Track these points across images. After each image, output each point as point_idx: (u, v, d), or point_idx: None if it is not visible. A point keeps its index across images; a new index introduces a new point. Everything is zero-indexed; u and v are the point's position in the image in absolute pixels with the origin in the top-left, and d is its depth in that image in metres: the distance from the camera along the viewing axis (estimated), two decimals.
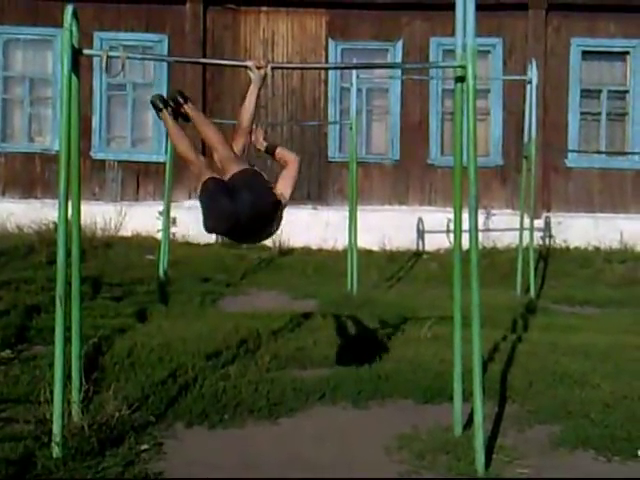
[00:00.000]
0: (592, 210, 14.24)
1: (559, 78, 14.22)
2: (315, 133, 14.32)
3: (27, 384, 5.36)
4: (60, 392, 4.27)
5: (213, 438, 4.73)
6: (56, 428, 4.23)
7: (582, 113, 14.40)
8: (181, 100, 4.92)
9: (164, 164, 11.25)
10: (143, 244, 12.69)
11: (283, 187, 4.85)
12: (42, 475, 3.99)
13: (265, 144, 5.20)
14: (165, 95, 5.06)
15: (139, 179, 14.35)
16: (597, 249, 13.42)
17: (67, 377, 4.47)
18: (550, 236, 13.90)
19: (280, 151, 5.18)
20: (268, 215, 4.66)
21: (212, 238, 13.46)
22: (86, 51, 4.64)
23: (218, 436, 4.77)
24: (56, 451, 4.18)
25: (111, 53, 4.60)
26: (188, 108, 4.92)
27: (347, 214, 10.03)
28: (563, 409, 5.18)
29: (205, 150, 5.17)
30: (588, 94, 14.46)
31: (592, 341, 7.12)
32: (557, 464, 4.42)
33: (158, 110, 4.96)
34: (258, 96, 4.93)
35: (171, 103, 4.94)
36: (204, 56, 13.80)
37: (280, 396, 5.37)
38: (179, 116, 5.01)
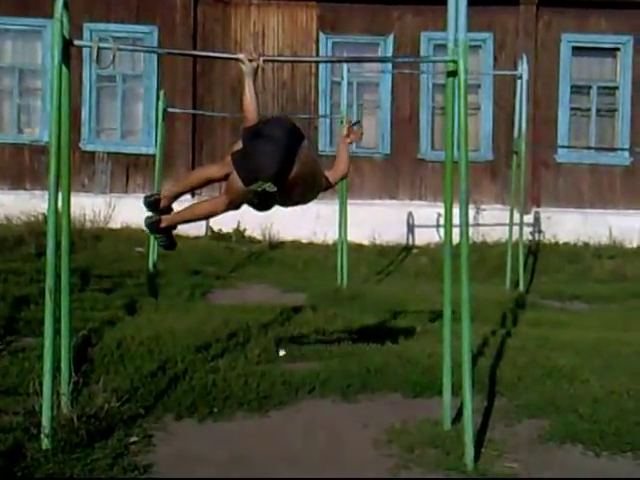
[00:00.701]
0: (581, 206, 14.29)
1: (549, 73, 14.26)
2: (305, 127, 14.28)
3: (16, 376, 5.34)
4: (49, 384, 4.26)
5: (202, 431, 4.73)
6: (45, 420, 4.21)
7: (572, 109, 14.46)
8: (156, 212, 5.05)
9: (154, 156, 11.24)
10: (132, 236, 12.64)
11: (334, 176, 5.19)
12: (31, 467, 3.98)
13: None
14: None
15: (128, 171, 14.32)
16: (586, 245, 13.48)
17: (56, 369, 4.45)
18: (539, 231, 13.96)
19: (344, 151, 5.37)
20: (295, 132, 4.77)
21: (202, 231, 13.44)
22: (77, 42, 4.62)
23: (207, 429, 4.76)
24: (45, 443, 4.17)
25: (102, 44, 4.58)
26: (169, 214, 5.08)
27: (337, 208, 10.03)
28: (552, 404, 5.19)
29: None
30: (578, 90, 14.51)
31: (581, 336, 7.14)
32: (546, 458, 4.43)
33: (159, 224, 5.09)
34: (255, 89, 4.92)
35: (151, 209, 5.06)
36: (194, 49, 13.77)
37: (269, 389, 5.37)
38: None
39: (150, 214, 5.15)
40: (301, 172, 4.65)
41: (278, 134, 4.66)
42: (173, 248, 5.27)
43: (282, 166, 4.58)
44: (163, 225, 5.09)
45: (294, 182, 4.64)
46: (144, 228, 5.23)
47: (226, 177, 4.84)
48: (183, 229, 13.79)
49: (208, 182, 5.05)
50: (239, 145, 4.75)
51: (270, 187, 4.54)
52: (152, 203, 5.13)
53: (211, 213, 5.05)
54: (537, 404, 5.21)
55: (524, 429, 4.85)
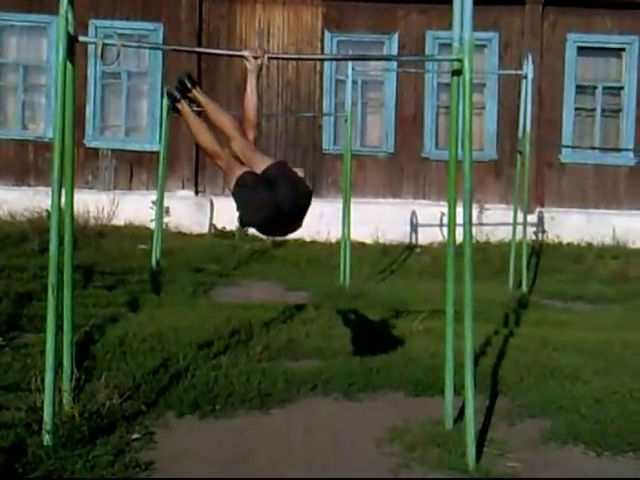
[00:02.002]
0: (585, 206, 14.28)
1: (554, 73, 14.24)
2: (310, 125, 14.31)
3: (18, 372, 5.34)
4: (51, 380, 4.26)
5: (204, 428, 4.73)
6: (47, 416, 4.22)
7: (577, 109, 14.44)
8: (189, 84, 4.82)
9: (158, 153, 11.24)
10: (136, 233, 12.66)
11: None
12: (32, 463, 3.98)
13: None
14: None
15: (132, 168, 14.33)
16: (590, 245, 13.45)
17: (58, 365, 4.46)
18: (543, 231, 13.94)
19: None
20: (305, 206, 4.65)
21: (205, 228, 13.47)
22: (82, 38, 4.62)
23: (209, 426, 4.76)
24: (47, 439, 4.17)
25: (107, 41, 4.58)
26: (197, 93, 4.82)
27: (341, 206, 10.02)
28: (554, 404, 5.19)
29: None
30: (583, 90, 14.49)
31: (584, 337, 7.14)
32: (547, 458, 4.43)
33: (175, 101, 4.84)
34: (257, 86, 4.91)
35: (179, 88, 4.84)
36: (199, 46, 13.78)
37: (272, 387, 5.37)
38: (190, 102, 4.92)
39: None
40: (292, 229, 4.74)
41: (286, 205, 4.50)
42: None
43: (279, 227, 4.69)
44: (188, 94, 4.92)
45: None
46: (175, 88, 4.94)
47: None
48: (186, 226, 13.86)
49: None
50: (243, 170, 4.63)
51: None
52: (187, 82, 4.91)
53: (230, 131, 4.82)
54: (539, 404, 5.20)
55: (526, 429, 4.84)
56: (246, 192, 4.52)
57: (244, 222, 4.64)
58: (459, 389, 4.61)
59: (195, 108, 5.15)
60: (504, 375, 5.78)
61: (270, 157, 4.71)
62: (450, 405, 4.70)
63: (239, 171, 4.60)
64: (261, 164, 4.58)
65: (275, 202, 4.44)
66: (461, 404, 4.56)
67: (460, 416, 4.63)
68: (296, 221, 4.72)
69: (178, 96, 4.84)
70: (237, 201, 4.58)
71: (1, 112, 14.47)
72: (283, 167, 4.59)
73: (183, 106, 4.85)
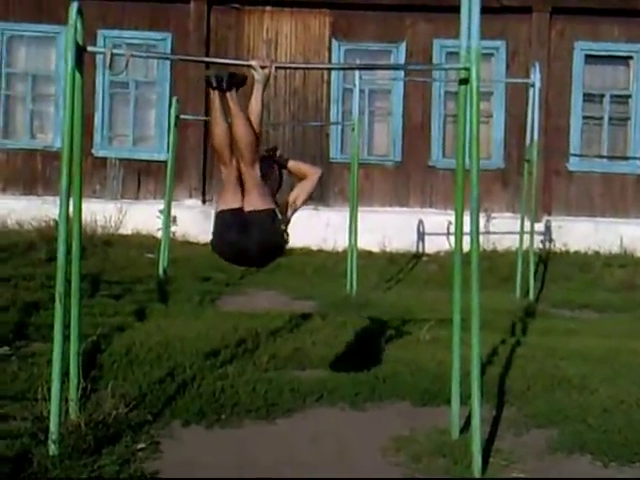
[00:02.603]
0: (593, 214, 14.24)
1: (562, 82, 14.23)
2: (317, 134, 14.32)
3: (25, 381, 5.35)
4: (58, 390, 4.26)
5: (210, 437, 4.73)
6: (53, 426, 4.22)
7: (584, 117, 14.41)
8: (224, 85, 4.79)
9: (165, 163, 11.26)
10: (143, 242, 12.68)
11: (295, 197, 5.06)
12: (38, 473, 3.99)
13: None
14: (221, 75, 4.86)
15: (140, 177, 14.36)
16: (597, 253, 13.41)
17: (65, 375, 4.46)
18: (550, 240, 13.90)
19: (296, 164, 5.29)
20: (273, 253, 4.87)
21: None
22: (90, 48, 4.63)
23: (215, 435, 4.76)
24: (52, 449, 4.17)
25: (115, 51, 4.59)
26: (230, 96, 4.79)
27: (348, 215, 10.02)
28: (561, 413, 5.17)
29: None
30: (591, 98, 14.46)
31: (591, 345, 7.11)
32: (554, 468, 4.41)
33: (211, 86, 4.81)
34: (263, 96, 4.91)
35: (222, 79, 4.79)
36: (207, 55, 13.80)
37: (278, 396, 5.37)
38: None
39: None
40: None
41: (251, 252, 4.70)
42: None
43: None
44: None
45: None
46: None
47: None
48: (193, 235, 13.86)
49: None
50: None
51: None
52: (231, 82, 4.89)
53: (242, 144, 4.76)
54: (546, 414, 5.18)
55: (532, 439, 4.83)
56: (221, 226, 4.72)
57: (213, 248, 4.83)
58: (465, 398, 4.59)
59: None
60: (511, 384, 5.77)
61: (267, 198, 4.74)
62: (456, 415, 4.69)
63: (225, 200, 4.75)
64: (253, 202, 4.67)
65: (242, 247, 4.66)
66: (467, 413, 4.55)
67: (466, 426, 4.62)
68: (259, 265, 5.16)
69: (214, 84, 4.79)
70: (213, 227, 4.78)
71: (10, 122, 14.51)
72: (266, 215, 4.67)
73: (215, 96, 4.81)
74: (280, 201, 4.97)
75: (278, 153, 5.27)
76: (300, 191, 5.13)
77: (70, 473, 3.99)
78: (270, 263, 5.02)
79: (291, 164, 5.27)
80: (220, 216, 4.74)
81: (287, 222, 4.95)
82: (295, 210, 5.05)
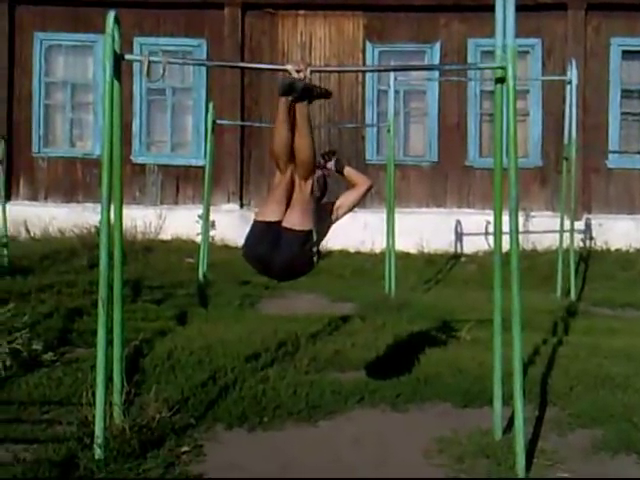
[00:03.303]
0: (633, 212, 14.06)
1: (599, 78, 14.08)
2: (353, 136, 14.32)
3: (69, 386, 5.43)
4: (102, 394, 4.32)
5: (253, 440, 4.75)
6: (98, 430, 4.27)
7: (622, 113, 14.24)
8: (296, 95, 4.72)
9: (203, 168, 11.33)
10: (183, 247, 12.78)
11: (341, 204, 5.10)
12: (84, 476, 4.05)
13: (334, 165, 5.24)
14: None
15: (179, 183, 14.47)
16: (638, 251, 13.24)
17: (109, 379, 4.51)
18: (591, 238, 13.75)
19: (349, 171, 5.30)
20: (297, 273, 4.85)
21: None
22: (128, 56, 4.68)
23: (258, 438, 4.79)
24: (98, 453, 4.22)
25: (152, 58, 4.64)
26: (300, 107, 4.74)
27: (385, 216, 10.01)
28: (605, 413, 5.12)
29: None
30: (628, 94, 14.30)
31: (634, 344, 7.03)
32: (599, 469, 4.37)
33: (283, 93, 4.79)
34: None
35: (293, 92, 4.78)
36: (242, 60, 13.90)
37: (319, 399, 5.38)
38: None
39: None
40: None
41: (275, 269, 4.74)
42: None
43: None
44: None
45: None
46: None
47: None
48: (232, 239, 13.95)
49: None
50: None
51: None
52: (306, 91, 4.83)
53: (302, 157, 4.78)
54: (590, 413, 5.13)
55: (577, 439, 4.78)
56: (253, 237, 4.76)
57: (243, 253, 4.89)
58: (508, 399, 4.57)
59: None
60: (553, 384, 5.72)
61: (308, 217, 4.70)
62: (499, 415, 4.66)
63: (266, 209, 4.78)
64: (293, 219, 4.66)
65: (268, 261, 4.69)
66: (510, 414, 4.53)
67: (509, 426, 4.60)
68: (280, 280, 5.12)
69: (286, 90, 4.74)
70: (247, 234, 4.85)
71: (50, 130, 14.72)
72: (300, 237, 4.63)
73: (283, 103, 4.77)
74: (326, 204, 5.00)
75: (334, 158, 5.24)
76: (345, 200, 5.14)
77: (116, 476, 4.04)
78: (293, 280, 5.03)
79: (346, 171, 5.28)
80: (256, 225, 4.77)
81: (326, 230, 4.96)
82: (337, 218, 5.07)
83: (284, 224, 4.65)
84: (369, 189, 5.31)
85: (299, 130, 4.73)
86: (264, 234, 4.69)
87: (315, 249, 4.70)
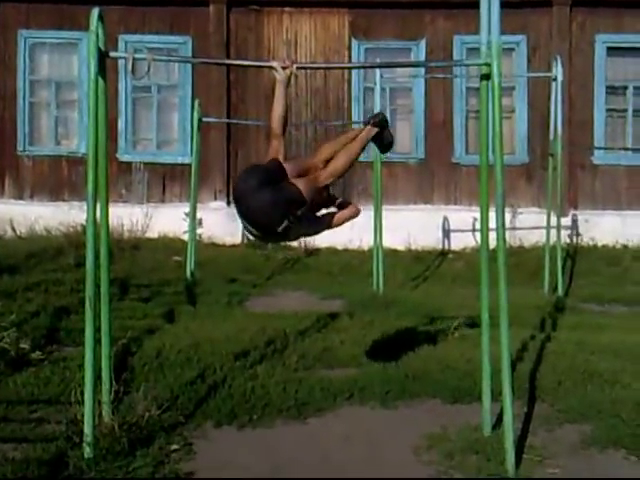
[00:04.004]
0: (619, 207, 14.14)
1: (584, 75, 14.14)
2: (339, 133, 14.31)
3: (58, 385, 5.41)
4: (91, 393, 4.30)
5: (242, 438, 4.75)
6: (87, 429, 4.26)
7: (608, 110, 14.31)
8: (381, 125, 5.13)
9: (189, 165, 11.31)
10: (170, 245, 12.75)
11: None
12: (74, 475, 4.03)
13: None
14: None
15: (165, 181, 14.44)
16: (625, 247, 13.32)
17: (97, 378, 4.50)
18: (577, 234, 13.82)
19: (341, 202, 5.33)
20: (264, 222, 4.64)
21: (238, 239, 13.51)
22: (112, 54, 4.67)
23: (247, 436, 4.78)
24: (87, 451, 4.21)
25: (137, 55, 4.62)
26: (370, 130, 5.12)
27: (372, 214, 10.02)
28: (593, 408, 5.14)
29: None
30: (614, 91, 14.37)
31: (621, 340, 7.06)
32: (588, 464, 4.39)
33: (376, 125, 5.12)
34: (286, 97, 4.94)
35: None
36: (228, 57, 13.87)
37: (308, 396, 5.38)
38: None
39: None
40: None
41: (247, 202, 4.62)
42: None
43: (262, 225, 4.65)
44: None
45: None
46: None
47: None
48: (219, 237, 13.91)
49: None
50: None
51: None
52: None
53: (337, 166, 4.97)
54: (578, 409, 5.16)
55: (565, 434, 4.80)
56: (262, 167, 4.78)
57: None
58: (496, 395, 4.58)
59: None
60: (542, 380, 5.74)
61: (309, 197, 4.75)
62: (488, 411, 4.67)
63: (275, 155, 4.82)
64: (300, 184, 4.71)
65: (254, 190, 4.58)
66: (499, 410, 4.54)
67: (498, 422, 4.61)
68: (244, 217, 4.72)
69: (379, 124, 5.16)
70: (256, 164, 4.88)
71: (34, 129, 14.64)
72: (294, 197, 4.66)
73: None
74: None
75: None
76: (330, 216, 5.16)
77: (105, 475, 4.03)
78: (252, 227, 4.73)
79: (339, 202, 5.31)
80: (272, 161, 4.79)
81: (306, 223, 4.89)
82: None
83: (291, 179, 4.70)
84: (354, 215, 5.31)
85: (353, 148, 4.99)
86: (272, 169, 4.70)
87: (292, 219, 4.62)
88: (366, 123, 5.24)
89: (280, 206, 4.57)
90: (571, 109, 13.87)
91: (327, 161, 4.97)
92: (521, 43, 14.08)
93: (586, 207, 14.17)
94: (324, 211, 5.19)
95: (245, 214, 4.64)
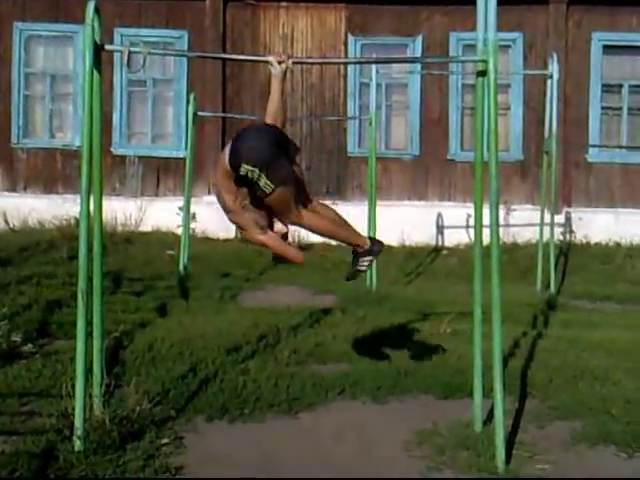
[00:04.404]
0: (613, 205, 14.17)
1: (580, 73, 14.15)
2: (334, 128, 14.32)
3: (49, 378, 5.40)
4: (82, 386, 4.30)
5: (233, 432, 4.75)
6: (78, 422, 4.26)
7: (603, 108, 14.33)
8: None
9: (184, 159, 11.29)
10: (163, 239, 12.74)
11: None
12: (64, 469, 4.02)
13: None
14: None
15: (159, 175, 14.42)
16: (618, 245, 13.35)
17: (88, 371, 4.49)
18: (571, 232, 13.84)
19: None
20: (272, 136, 4.66)
21: (231, 233, 13.49)
22: (108, 46, 4.65)
23: (238, 430, 4.78)
24: (77, 445, 4.21)
25: (132, 49, 4.61)
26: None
27: (366, 209, 10.02)
28: (584, 405, 5.15)
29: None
30: (609, 89, 14.39)
31: (613, 337, 7.08)
32: (578, 460, 4.40)
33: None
34: (282, 91, 4.93)
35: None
36: (223, 52, 13.85)
37: (300, 391, 5.38)
38: None
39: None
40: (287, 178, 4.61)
41: (269, 130, 4.70)
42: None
43: (267, 154, 4.54)
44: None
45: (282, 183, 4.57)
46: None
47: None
48: (212, 231, 13.90)
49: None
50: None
51: (253, 173, 4.50)
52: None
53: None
54: (569, 405, 5.17)
55: (556, 431, 4.81)
56: (235, 138, 4.68)
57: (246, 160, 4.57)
58: (488, 391, 4.59)
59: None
60: (533, 377, 5.76)
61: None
62: (479, 407, 4.68)
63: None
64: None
65: (259, 129, 4.74)
66: (490, 406, 4.55)
67: (489, 418, 4.62)
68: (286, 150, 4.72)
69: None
70: (230, 150, 4.63)
71: (29, 121, 14.61)
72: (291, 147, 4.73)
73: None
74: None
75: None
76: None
77: (95, 468, 4.03)
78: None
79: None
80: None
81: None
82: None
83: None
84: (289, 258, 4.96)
85: (340, 229, 4.98)
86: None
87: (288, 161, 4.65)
88: (370, 238, 5.18)
89: (282, 151, 4.60)
90: (566, 107, 13.88)
91: (311, 211, 4.89)
92: (517, 40, 14.08)
93: (580, 205, 14.19)
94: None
95: (248, 140, 4.59)
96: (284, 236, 4.96)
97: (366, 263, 5.10)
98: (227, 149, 4.64)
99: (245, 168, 4.50)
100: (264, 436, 4.69)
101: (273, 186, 4.53)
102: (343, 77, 14.31)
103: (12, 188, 14.42)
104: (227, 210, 4.78)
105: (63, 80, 14.57)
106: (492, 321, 4.33)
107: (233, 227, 13.43)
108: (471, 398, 4.78)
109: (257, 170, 4.49)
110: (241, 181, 4.59)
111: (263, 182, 4.51)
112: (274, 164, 4.53)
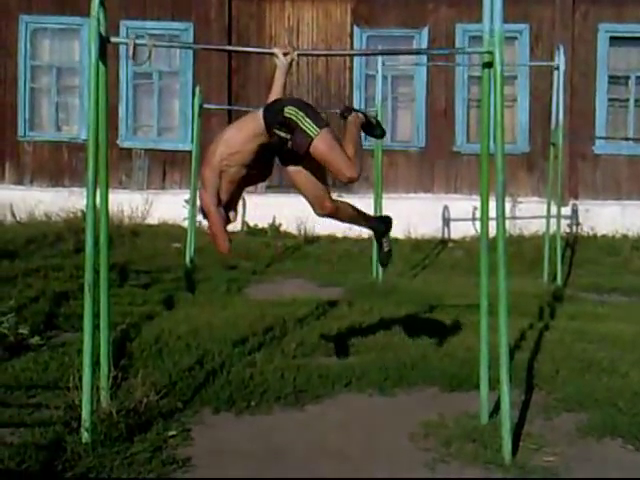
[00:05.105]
0: (620, 197, 14.14)
1: (586, 64, 14.11)
2: (340, 121, 14.27)
3: (56, 370, 5.42)
4: (89, 378, 4.31)
5: (240, 424, 4.75)
6: (85, 414, 4.27)
7: (610, 99, 14.29)
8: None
9: (190, 152, 11.30)
10: (169, 232, 12.76)
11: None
12: (71, 460, 4.03)
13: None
14: None
15: (165, 167, 14.43)
16: (625, 237, 13.33)
17: (96, 364, 4.50)
18: (577, 224, 13.83)
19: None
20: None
21: (237, 226, 13.50)
22: (113, 39, 4.65)
23: (245, 422, 4.79)
24: (85, 437, 4.22)
25: (138, 41, 4.61)
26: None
27: (372, 202, 10.02)
28: (591, 397, 5.15)
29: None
30: (616, 80, 14.35)
31: (620, 329, 7.07)
32: (584, 452, 4.40)
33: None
34: (285, 83, 4.93)
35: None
36: (229, 44, 13.84)
37: (306, 383, 5.39)
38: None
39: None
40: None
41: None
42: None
43: (305, 103, 4.65)
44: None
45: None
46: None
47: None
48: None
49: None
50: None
51: (297, 114, 4.52)
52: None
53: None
54: (575, 398, 5.17)
55: (562, 423, 4.81)
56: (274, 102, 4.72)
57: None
58: (494, 383, 4.59)
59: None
60: (540, 369, 5.75)
61: None
62: (485, 399, 4.68)
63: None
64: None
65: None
66: (496, 398, 4.55)
67: (496, 410, 4.62)
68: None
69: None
70: (269, 108, 4.66)
71: (35, 114, 14.64)
72: None
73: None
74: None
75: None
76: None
77: (103, 460, 4.04)
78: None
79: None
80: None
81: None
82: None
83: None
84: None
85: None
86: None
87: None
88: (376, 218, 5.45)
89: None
90: (573, 99, 13.84)
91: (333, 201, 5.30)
92: (524, 32, 14.05)
93: (586, 197, 14.17)
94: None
95: (282, 100, 4.69)
96: (226, 221, 5.01)
97: (387, 242, 5.29)
98: (259, 113, 4.62)
99: (289, 110, 4.51)
100: (271, 428, 4.70)
101: (318, 129, 4.52)
102: (349, 69, 14.30)
103: (19, 181, 14.46)
104: (208, 162, 4.71)
105: (69, 73, 14.59)
106: (498, 313, 4.33)
107: (239, 219, 13.51)
108: (477, 390, 4.77)
109: (301, 112, 4.52)
110: (279, 130, 4.54)
111: (307, 124, 4.50)
112: (313, 110, 4.60)
